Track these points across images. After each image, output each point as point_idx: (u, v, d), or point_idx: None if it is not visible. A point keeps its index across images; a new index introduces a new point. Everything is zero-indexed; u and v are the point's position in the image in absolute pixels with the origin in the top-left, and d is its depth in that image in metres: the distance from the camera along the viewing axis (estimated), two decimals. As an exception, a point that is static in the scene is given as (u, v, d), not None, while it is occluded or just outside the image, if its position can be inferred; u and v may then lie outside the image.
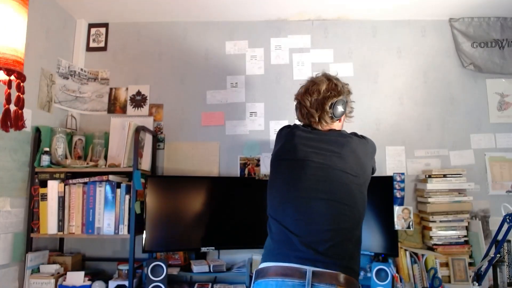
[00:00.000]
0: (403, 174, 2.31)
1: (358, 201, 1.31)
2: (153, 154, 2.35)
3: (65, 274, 1.99)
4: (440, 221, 2.16)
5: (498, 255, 1.70)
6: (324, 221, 1.23)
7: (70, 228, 2.02)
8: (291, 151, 1.36)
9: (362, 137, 1.45)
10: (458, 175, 2.21)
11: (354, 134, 1.44)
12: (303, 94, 1.46)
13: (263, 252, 1.30)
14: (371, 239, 2.05)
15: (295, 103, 1.52)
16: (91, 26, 2.57)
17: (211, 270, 2.10)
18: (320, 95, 1.41)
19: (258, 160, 2.40)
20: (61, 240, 2.27)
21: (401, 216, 2.16)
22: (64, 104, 2.34)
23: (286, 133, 1.45)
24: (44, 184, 2.02)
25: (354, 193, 1.30)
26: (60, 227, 2.01)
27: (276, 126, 2.39)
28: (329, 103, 1.40)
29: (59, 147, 2.11)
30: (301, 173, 1.30)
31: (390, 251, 2.00)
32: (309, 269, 1.14)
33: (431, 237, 2.16)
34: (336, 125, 1.47)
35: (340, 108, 1.43)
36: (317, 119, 1.41)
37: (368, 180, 1.40)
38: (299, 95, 1.48)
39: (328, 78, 1.46)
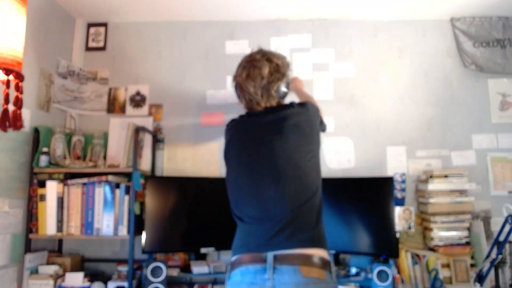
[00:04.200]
0: (404, 174, 2.30)
1: (310, 172, 1.31)
2: (153, 155, 2.34)
3: (64, 275, 1.98)
4: (442, 222, 2.14)
5: (500, 256, 1.69)
6: (280, 206, 1.24)
7: (69, 228, 2.01)
8: (234, 147, 1.40)
9: (301, 104, 1.42)
10: (460, 176, 2.20)
11: (291, 105, 1.41)
12: (244, 79, 1.40)
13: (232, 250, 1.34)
14: (371, 240, 2.04)
15: (233, 83, 1.49)
16: (90, 25, 2.56)
17: (211, 271, 2.09)
18: (264, 80, 1.38)
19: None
20: (60, 241, 2.26)
21: (402, 217, 2.15)
22: (63, 104, 2.33)
23: (230, 128, 1.47)
24: (43, 184, 2.01)
25: (303, 166, 1.29)
26: (59, 228, 2.00)
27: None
28: (275, 88, 1.39)
29: (58, 147, 2.10)
30: (247, 168, 1.32)
31: (391, 252, 1.98)
32: (270, 254, 1.16)
33: (432, 238, 2.15)
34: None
35: (284, 89, 1.43)
36: (263, 104, 1.40)
37: (319, 143, 1.41)
38: (240, 80, 1.42)
39: (269, 59, 1.41)
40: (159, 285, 1.89)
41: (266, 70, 1.38)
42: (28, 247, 1.95)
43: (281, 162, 1.28)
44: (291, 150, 1.30)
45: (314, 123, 1.43)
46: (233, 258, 1.27)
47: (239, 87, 1.44)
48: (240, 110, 1.51)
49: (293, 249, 1.16)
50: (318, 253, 1.18)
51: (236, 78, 1.46)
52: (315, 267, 1.14)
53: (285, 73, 1.42)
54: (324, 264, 1.17)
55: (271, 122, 1.35)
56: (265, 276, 1.13)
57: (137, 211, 2.02)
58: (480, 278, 1.71)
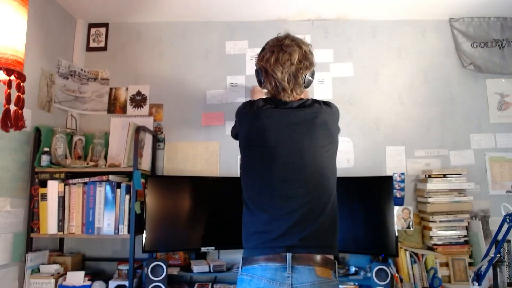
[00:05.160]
0: (403, 174, 2.31)
1: (331, 174, 1.32)
2: (153, 154, 2.35)
3: (65, 274, 1.99)
4: (440, 221, 2.16)
5: (498, 255, 1.70)
6: (304, 208, 1.24)
7: (70, 228, 2.02)
8: (261, 136, 1.31)
9: (326, 104, 1.39)
10: (458, 175, 2.21)
11: (318, 102, 1.38)
12: (273, 63, 1.32)
13: (244, 239, 1.32)
14: (371, 239, 2.05)
15: (256, 67, 1.42)
16: (91, 26, 2.57)
17: (211, 270, 2.10)
18: (293, 67, 1.31)
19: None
20: (61, 240, 2.27)
21: (401, 216, 2.16)
22: (64, 104, 2.34)
23: (251, 112, 1.37)
24: (44, 184, 2.02)
25: (327, 168, 1.31)
26: (60, 227, 2.01)
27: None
28: (303, 76, 1.33)
29: (59, 147, 2.11)
30: (276, 162, 1.28)
31: (390, 251, 1.99)
32: (289, 254, 1.20)
33: (431, 237, 2.16)
34: (304, 92, 1.43)
35: (310, 79, 1.38)
36: (289, 92, 1.34)
37: (337, 144, 1.39)
38: (268, 64, 1.34)
39: (299, 45, 1.34)
40: (159, 284, 1.90)
41: (296, 56, 1.31)
42: (29, 246, 1.97)
43: (308, 162, 1.28)
44: (317, 150, 1.30)
45: (336, 123, 1.42)
46: (250, 254, 1.27)
47: (264, 72, 1.37)
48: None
49: (309, 252, 1.21)
50: (328, 259, 1.24)
51: (260, 62, 1.39)
52: (326, 267, 1.21)
53: (312, 61, 1.37)
54: (332, 264, 1.24)
55: (301, 120, 1.32)
56: (285, 274, 1.18)
57: (138, 211, 2.03)
58: (478, 277, 1.71)
